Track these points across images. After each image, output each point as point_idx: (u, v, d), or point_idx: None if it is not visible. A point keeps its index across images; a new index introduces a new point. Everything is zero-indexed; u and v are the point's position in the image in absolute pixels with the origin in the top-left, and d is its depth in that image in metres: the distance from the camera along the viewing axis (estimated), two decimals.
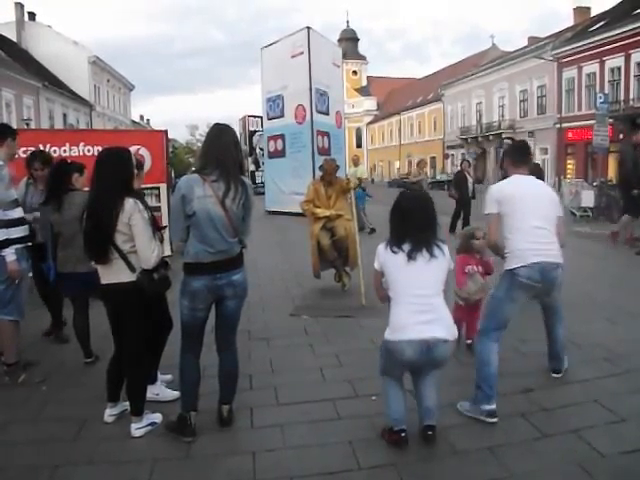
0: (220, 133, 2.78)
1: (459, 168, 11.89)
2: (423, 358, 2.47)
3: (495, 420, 2.88)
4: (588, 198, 13.94)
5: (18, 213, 3.66)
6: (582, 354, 3.96)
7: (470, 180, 10.96)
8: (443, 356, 2.51)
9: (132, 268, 2.74)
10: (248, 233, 2.89)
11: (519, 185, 3.19)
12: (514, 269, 3.05)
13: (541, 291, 3.16)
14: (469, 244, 4.02)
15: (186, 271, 2.73)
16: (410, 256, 2.48)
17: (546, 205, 3.17)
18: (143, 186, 4.45)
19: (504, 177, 3.37)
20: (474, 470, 2.48)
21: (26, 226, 3.77)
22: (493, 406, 2.90)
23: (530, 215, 3.07)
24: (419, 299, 2.47)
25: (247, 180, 2.79)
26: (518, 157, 3.35)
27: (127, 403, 2.97)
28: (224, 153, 2.68)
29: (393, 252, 2.52)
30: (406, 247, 2.51)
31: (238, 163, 2.76)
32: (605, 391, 3.25)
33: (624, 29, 24.60)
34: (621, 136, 23.81)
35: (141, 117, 61.51)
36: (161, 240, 3.01)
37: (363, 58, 70.61)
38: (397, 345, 2.47)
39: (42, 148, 6.86)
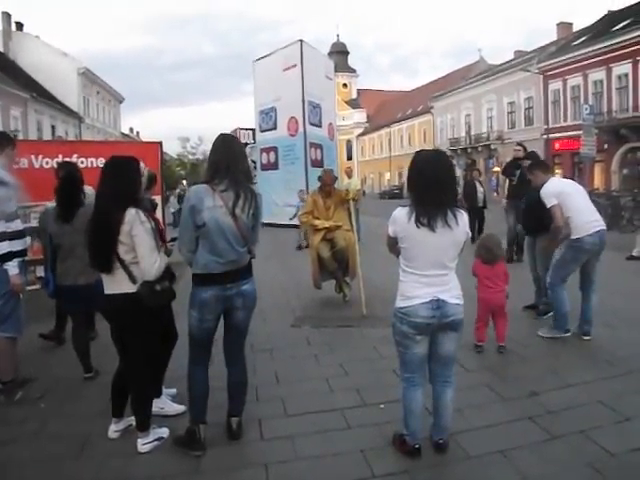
0: (227, 143, 2.79)
1: (469, 177, 11.45)
2: (437, 315, 2.46)
3: (569, 334, 4.35)
4: None
5: (18, 225, 3.62)
6: (583, 357, 4.02)
7: (481, 190, 10.57)
8: (455, 313, 2.50)
9: (133, 279, 2.70)
10: (256, 242, 2.88)
11: (562, 182, 4.60)
12: (581, 237, 4.19)
13: (596, 252, 4.31)
14: (480, 254, 4.14)
15: (195, 282, 2.71)
16: (431, 227, 2.41)
17: (585, 191, 4.53)
18: None
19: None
20: (489, 474, 2.48)
21: (25, 239, 3.72)
22: (568, 327, 4.35)
23: (582, 198, 4.37)
24: (432, 278, 2.47)
25: (256, 189, 2.78)
26: (546, 167, 4.78)
27: (132, 418, 2.91)
28: (233, 162, 2.68)
29: (417, 226, 2.43)
30: (427, 216, 2.42)
31: (246, 172, 2.76)
32: (608, 392, 3.29)
33: (605, 44, 25.24)
34: (606, 146, 24.28)
35: (131, 129, 61.36)
36: (168, 253, 2.98)
37: (353, 71, 71.33)
38: (410, 308, 2.47)
39: (34, 159, 6.88)
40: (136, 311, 2.71)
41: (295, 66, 16.23)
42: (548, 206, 4.27)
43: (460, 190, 12.28)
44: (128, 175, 2.79)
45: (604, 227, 4.31)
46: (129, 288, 2.71)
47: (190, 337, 2.78)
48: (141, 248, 2.67)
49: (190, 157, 51.82)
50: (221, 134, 2.87)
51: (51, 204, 3.94)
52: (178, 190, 23.96)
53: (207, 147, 53.28)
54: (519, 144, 8.55)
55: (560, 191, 4.29)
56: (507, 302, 4.23)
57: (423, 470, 2.52)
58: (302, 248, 11.04)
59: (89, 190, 4.21)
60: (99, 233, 2.72)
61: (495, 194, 26.79)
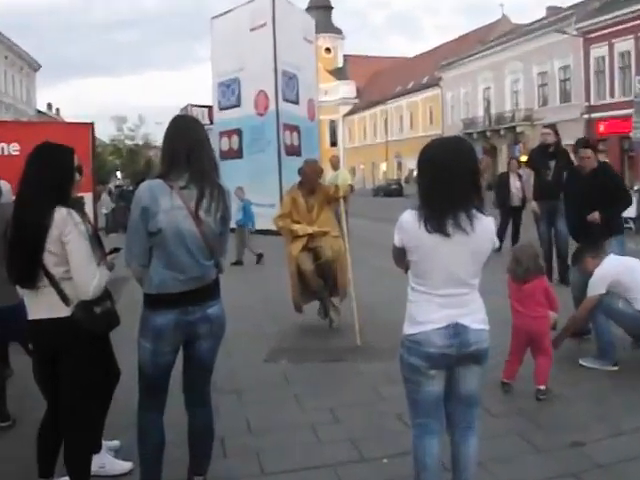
0: (187, 126, 2.86)
1: (505, 170, 11.52)
2: (455, 344, 2.50)
3: (617, 368, 4.65)
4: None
5: None
6: (634, 398, 4.13)
7: (517, 185, 10.35)
8: (479, 341, 2.55)
9: (66, 299, 2.75)
10: (225, 253, 2.97)
11: (620, 261, 4.94)
12: None
13: None
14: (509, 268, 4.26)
15: (148, 304, 2.76)
16: (443, 232, 2.45)
17: None
18: None
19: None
20: None
21: None
22: (615, 359, 4.72)
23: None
24: (448, 298, 2.53)
25: (225, 185, 2.86)
26: (596, 248, 5.01)
27: (65, 479, 2.95)
28: (195, 151, 2.74)
29: (428, 231, 2.48)
30: (436, 219, 2.47)
31: (214, 163, 2.84)
32: None
33: None
34: None
35: (49, 106, 60.99)
36: (110, 268, 3.03)
37: (339, 32, 72.17)
38: (421, 335, 2.51)
39: None
40: (70, 341, 2.76)
41: (265, 25, 16.30)
42: (589, 294, 4.71)
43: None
44: (60, 166, 2.85)
45: None
46: (61, 312, 2.75)
47: (141, 375, 2.82)
48: (75, 257, 2.72)
49: (128, 142, 51.58)
50: (178, 115, 2.98)
51: None
52: (110, 185, 23.93)
53: (149, 130, 53.14)
54: (548, 126, 8.54)
55: (618, 276, 4.67)
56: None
57: None
58: (241, 263, 11.00)
59: (3, 185, 4.25)
60: (20, 238, 2.76)
61: None
